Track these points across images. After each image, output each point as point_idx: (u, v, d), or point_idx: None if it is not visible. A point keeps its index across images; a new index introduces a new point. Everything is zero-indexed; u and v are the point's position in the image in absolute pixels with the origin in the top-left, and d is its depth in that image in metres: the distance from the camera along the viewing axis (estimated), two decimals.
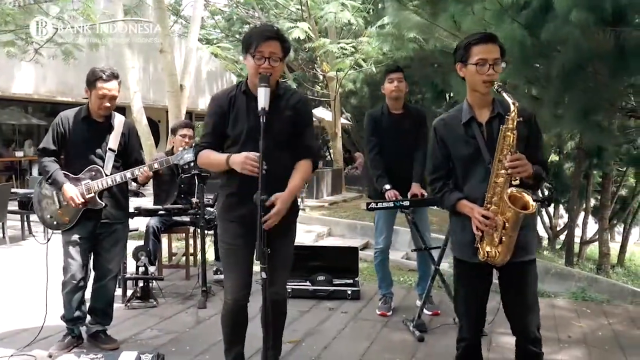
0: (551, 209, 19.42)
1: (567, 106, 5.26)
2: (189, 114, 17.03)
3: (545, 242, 18.52)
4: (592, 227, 16.95)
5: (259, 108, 2.52)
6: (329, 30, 13.68)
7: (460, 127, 2.46)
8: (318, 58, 13.91)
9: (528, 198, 2.24)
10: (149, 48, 13.02)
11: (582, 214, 16.86)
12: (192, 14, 9.09)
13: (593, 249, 16.76)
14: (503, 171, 2.26)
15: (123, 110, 13.66)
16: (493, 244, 2.29)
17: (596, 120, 5.54)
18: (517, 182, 2.27)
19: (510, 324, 2.49)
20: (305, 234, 9.68)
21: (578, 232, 17.28)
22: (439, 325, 3.95)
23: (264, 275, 2.51)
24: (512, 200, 2.24)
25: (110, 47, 11.66)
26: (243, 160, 2.53)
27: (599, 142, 7.48)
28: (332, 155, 16.62)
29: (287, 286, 4.50)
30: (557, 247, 17.02)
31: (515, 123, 2.26)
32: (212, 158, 2.70)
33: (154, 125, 14.66)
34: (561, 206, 18.27)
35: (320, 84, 18.11)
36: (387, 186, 4.01)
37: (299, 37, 11.93)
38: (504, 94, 2.30)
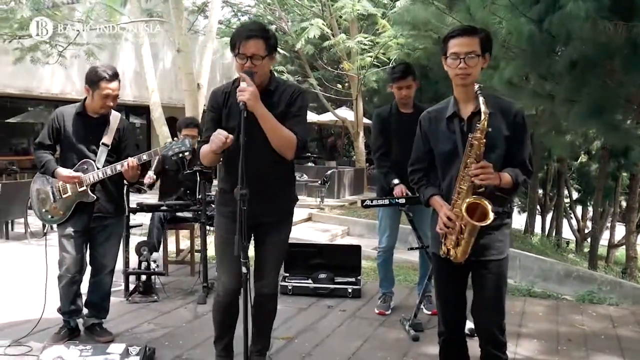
0: (579, 211, 18.94)
1: (579, 103, 5.10)
2: None
3: (572, 245, 18.09)
4: (622, 230, 16.46)
5: (240, 102, 2.53)
6: (351, 28, 13.63)
7: (444, 121, 2.42)
8: (340, 57, 13.88)
9: (488, 208, 2.17)
10: (171, 47, 13.22)
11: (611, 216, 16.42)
12: (210, 16, 9.16)
13: (623, 252, 16.29)
14: (468, 177, 2.21)
15: (146, 109, 13.94)
16: (452, 244, 2.25)
17: (611, 118, 5.35)
18: (482, 189, 2.21)
19: (474, 323, 2.45)
20: (322, 233, 9.69)
21: (607, 235, 16.83)
22: (436, 325, 3.87)
23: (244, 270, 2.49)
24: (471, 207, 2.19)
25: (131, 46, 11.92)
26: (212, 138, 2.56)
27: (616, 141, 7.25)
28: (355, 155, 16.54)
29: (289, 283, 4.56)
30: (585, 250, 16.61)
31: (484, 133, 2.19)
32: (203, 150, 2.71)
33: None
34: (590, 209, 17.80)
35: (345, 83, 18.03)
36: (396, 181, 3.92)
37: (314, 36, 11.92)
38: (480, 98, 2.22)
